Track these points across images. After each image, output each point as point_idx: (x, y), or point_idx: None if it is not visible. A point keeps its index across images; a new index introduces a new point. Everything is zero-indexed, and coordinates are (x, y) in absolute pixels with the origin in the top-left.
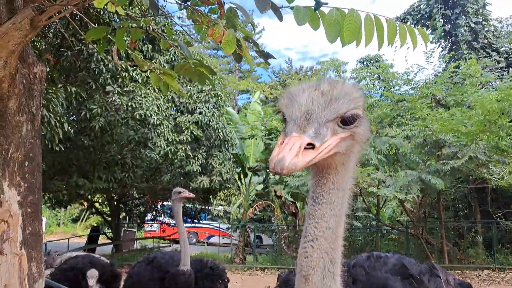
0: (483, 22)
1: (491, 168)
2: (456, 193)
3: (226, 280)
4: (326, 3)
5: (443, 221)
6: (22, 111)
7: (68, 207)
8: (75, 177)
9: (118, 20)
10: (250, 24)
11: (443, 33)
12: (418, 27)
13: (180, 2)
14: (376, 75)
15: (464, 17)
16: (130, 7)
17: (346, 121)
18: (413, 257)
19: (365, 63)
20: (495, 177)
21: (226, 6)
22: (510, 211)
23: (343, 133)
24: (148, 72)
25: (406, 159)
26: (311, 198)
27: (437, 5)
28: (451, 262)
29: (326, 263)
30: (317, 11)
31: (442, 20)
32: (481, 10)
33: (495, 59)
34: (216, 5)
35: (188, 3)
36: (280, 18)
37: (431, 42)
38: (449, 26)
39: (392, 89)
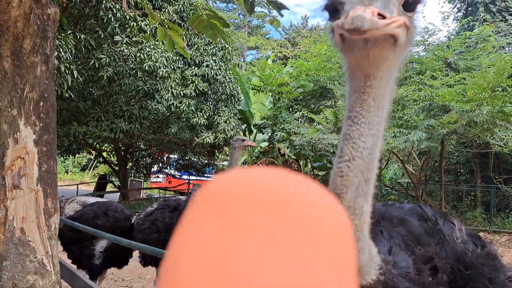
0: None
1: (497, 133)
2: (459, 157)
3: None
4: None
5: (444, 183)
6: (36, 52)
7: (77, 155)
8: (83, 125)
9: None
10: None
11: None
12: None
13: None
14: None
15: None
16: None
17: (409, 5)
18: None
19: None
20: (498, 143)
21: None
22: (510, 177)
23: (405, 18)
24: (157, 24)
25: (412, 120)
26: (348, 118)
27: None
28: None
29: (361, 182)
30: None
31: None
32: None
33: (510, 23)
34: None
35: None
36: None
37: (448, 2)
38: None
39: None
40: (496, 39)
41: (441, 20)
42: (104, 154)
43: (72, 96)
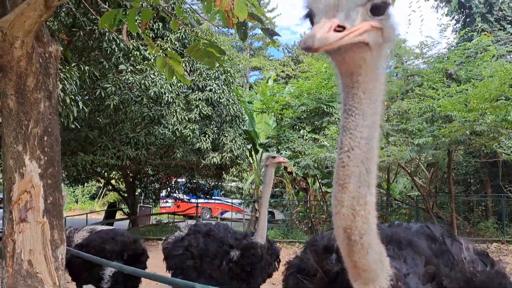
0: None
1: (503, 141)
2: (468, 167)
3: (279, 258)
4: None
5: (453, 195)
6: (39, 88)
7: (86, 184)
8: (91, 154)
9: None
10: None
11: (457, 6)
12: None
13: None
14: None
15: None
16: None
17: (376, 10)
18: None
19: None
20: (505, 152)
21: None
22: None
23: (374, 22)
24: (156, 55)
25: (416, 129)
26: (344, 112)
27: None
28: (461, 235)
29: (362, 172)
30: None
31: None
32: None
33: (509, 31)
34: None
35: None
36: None
37: (446, 15)
38: None
39: (404, 63)
40: (496, 48)
41: (439, 32)
42: (113, 181)
43: (79, 127)
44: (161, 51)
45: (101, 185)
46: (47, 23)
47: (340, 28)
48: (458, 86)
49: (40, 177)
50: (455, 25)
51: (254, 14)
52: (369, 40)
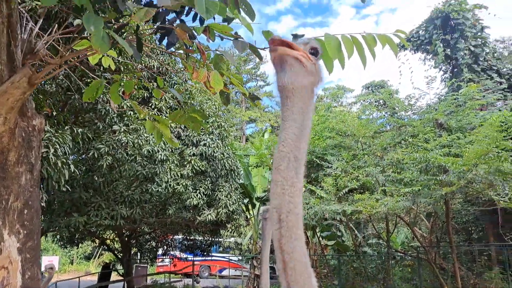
0: (482, 45)
1: (500, 188)
2: (467, 215)
3: None
4: (303, 35)
5: (454, 245)
6: (21, 162)
7: (80, 244)
8: (84, 215)
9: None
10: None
11: (444, 57)
12: (416, 53)
13: (163, 49)
14: (381, 101)
15: (463, 41)
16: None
17: (312, 52)
18: (426, 283)
19: (370, 89)
20: (503, 199)
21: (213, 53)
22: None
23: (310, 56)
24: (144, 118)
25: (411, 182)
26: (281, 118)
27: (436, 31)
28: (465, 287)
29: (291, 159)
30: None
31: (442, 45)
32: (479, 34)
33: (496, 80)
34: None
35: (173, 49)
36: (260, 57)
37: (434, 67)
38: (449, 50)
39: (396, 115)
40: (484, 96)
41: (426, 84)
42: (108, 241)
43: (70, 190)
44: (148, 115)
45: (96, 245)
46: (45, 85)
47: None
48: (449, 135)
49: (18, 252)
50: (443, 75)
51: (232, 82)
52: (307, 64)
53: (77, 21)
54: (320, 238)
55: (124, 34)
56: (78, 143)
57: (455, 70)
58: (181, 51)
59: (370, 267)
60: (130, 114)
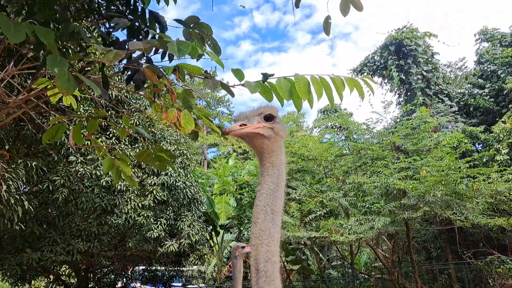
0: (434, 71)
1: (456, 208)
2: (426, 235)
3: None
4: (272, 74)
5: (415, 265)
6: None
7: (33, 281)
8: (38, 251)
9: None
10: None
11: (399, 82)
12: (372, 77)
13: (132, 90)
14: (337, 124)
15: (415, 66)
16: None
17: (268, 118)
18: None
19: (325, 113)
20: (459, 218)
21: (180, 90)
22: (479, 250)
23: (266, 124)
24: (102, 157)
25: (374, 206)
26: (259, 174)
27: (390, 57)
28: None
29: (267, 212)
30: (266, 82)
31: (396, 70)
32: (430, 59)
33: (447, 103)
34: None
35: (141, 91)
36: (232, 94)
37: (390, 91)
38: (403, 74)
39: (353, 137)
40: (437, 118)
41: (383, 107)
42: (63, 277)
43: (23, 227)
44: (107, 153)
45: (51, 281)
46: None
47: (243, 125)
48: (406, 158)
49: None
50: (397, 98)
51: (205, 115)
52: (263, 132)
53: (30, 53)
54: (285, 263)
55: (88, 73)
56: (32, 176)
57: (409, 93)
58: (149, 90)
59: None
60: (87, 143)
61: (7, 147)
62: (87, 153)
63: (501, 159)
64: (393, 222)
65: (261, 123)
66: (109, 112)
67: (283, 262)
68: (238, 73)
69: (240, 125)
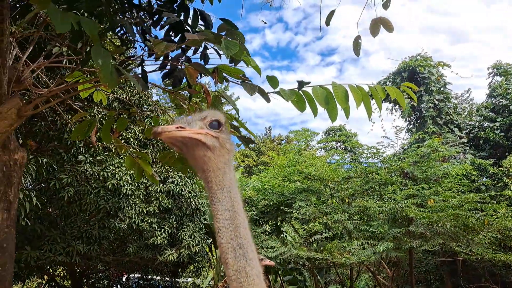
0: (446, 100)
1: (465, 242)
2: (428, 265)
3: None
4: (308, 82)
5: None
6: None
7: (27, 280)
8: (37, 249)
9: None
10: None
11: (410, 109)
12: (383, 102)
13: (164, 87)
14: (343, 147)
15: (427, 94)
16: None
17: (213, 125)
18: None
19: (330, 134)
20: (464, 251)
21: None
22: (481, 285)
23: (210, 131)
24: (123, 154)
25: (378, 231)
26: (209, 201)
27: (403, 83)
28: None
29: (235, 248)
30: (300, 91)
31: (407, 97)
32: (442, 89)
33: (457, 134)
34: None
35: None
36: (268, 100)
37: (402, 117)
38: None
39: (359, 159)
40: (446, 149)
41: (394, 133)
42: (58, 278)
43: (29, 224)
44: (130, 150)
45: (44, 282)
46: None
47: (180, 128)
48: (414, 185)
49: None
50: (407, 125)
51: (231, 123)
52: (205, 141)
53: (55, 49)
54: (282, 282)
55: (129, 67)
56: (42, 173)
57: (419, 121)
58: (184, 92)
59: None
60: (98, 145)
61: (20, 141)
62: (96, 154)
63: (509, 194)
64: (396, 249)
65: (203, 129)
66: (121, 116)
67: (281, 280)
68: (273, 80)
69: (177, 127)
